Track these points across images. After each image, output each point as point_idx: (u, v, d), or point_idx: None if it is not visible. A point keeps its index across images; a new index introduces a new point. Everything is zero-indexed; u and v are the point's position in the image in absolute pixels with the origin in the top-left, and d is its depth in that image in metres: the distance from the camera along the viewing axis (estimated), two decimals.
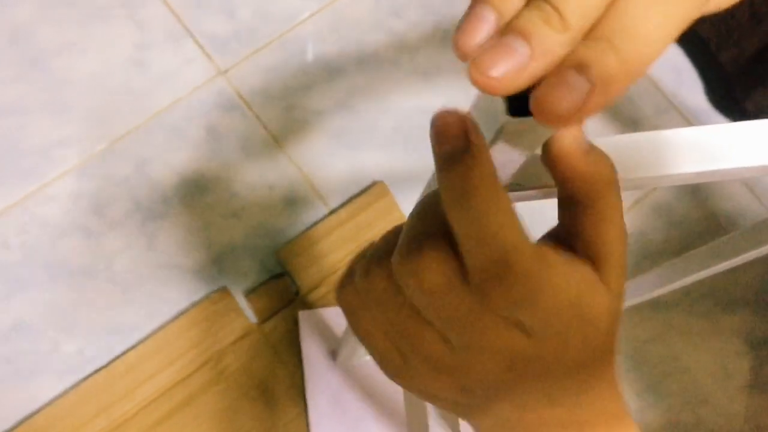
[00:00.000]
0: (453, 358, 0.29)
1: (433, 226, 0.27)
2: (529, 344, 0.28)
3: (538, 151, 0.28)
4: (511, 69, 0.21)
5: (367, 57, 1.08)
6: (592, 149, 0.28)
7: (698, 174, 0.23)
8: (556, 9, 0.22)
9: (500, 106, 0.24)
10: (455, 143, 0.25)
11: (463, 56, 0.25)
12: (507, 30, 0.22)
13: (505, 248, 0.24)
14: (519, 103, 0.24)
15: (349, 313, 0.32)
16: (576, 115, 0.22)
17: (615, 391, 0.32)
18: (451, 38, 0.30)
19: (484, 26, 0.22)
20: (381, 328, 0.30)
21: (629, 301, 0.70)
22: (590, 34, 0.22)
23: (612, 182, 0.27)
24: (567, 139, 0.27)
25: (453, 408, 0.34)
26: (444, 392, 0.31)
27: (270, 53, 1.07)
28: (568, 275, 0.27)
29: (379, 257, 0.30)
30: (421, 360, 0.30)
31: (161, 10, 1.07)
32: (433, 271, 0.26)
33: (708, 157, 0.23)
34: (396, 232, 0.31)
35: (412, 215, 0.29)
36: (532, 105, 0.22)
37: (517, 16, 0.22)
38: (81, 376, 0.91)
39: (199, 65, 1.05)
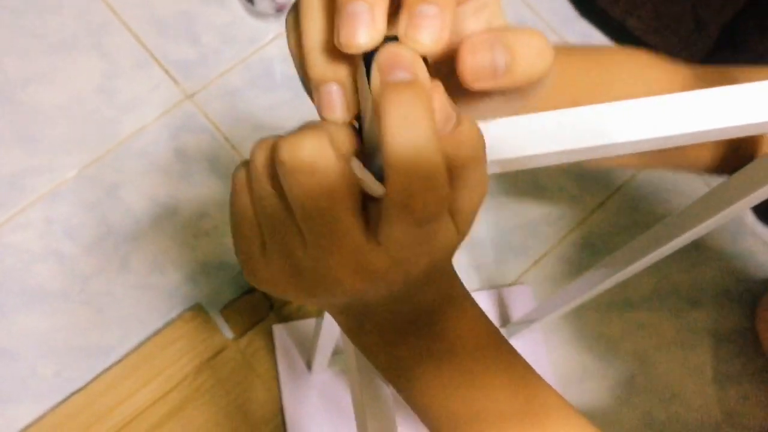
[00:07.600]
0: (305, 257, 0.29)
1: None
2: (383, 259, 0.29)
3: None
4: (437, 29, 0.25)
5: None
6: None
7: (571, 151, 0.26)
8: None
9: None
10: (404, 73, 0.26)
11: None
12: (411, 3, 0.26)
13: (439, 166, 0.26)
14: None
15: (233, 192, 0.32)
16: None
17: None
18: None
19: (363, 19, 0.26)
20: (251, 212, 0.31)
21: (581, 299, 0.72)
22: None
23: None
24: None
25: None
26: (290, 293, 0.32)
27: (236, 75, 1.10)
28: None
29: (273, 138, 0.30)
30: (279, 253, 0.30)
31: (126, 38, 1.09)
32: (309, 142, 0.26)
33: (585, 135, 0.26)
34: None
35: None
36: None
37: None
38: (60, 398, 0.92)
39: (165, 90, 1.07)
